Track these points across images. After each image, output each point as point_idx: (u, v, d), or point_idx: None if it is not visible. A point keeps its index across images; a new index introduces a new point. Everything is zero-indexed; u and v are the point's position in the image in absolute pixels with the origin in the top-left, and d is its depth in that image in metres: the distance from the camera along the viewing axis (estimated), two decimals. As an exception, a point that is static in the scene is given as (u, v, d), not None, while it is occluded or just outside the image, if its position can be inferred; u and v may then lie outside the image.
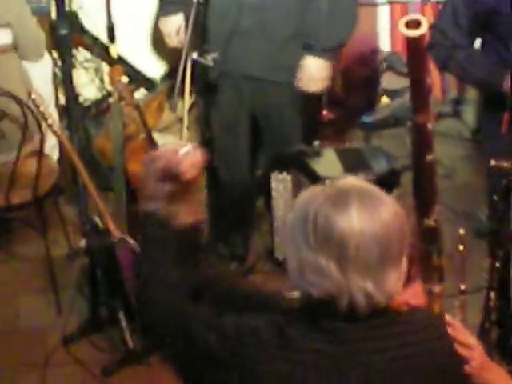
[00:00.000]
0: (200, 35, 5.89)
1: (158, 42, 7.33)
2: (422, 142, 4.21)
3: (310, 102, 6.82)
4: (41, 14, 6.72)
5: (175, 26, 6.39)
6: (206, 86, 6.31)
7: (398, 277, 2.98)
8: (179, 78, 5.67)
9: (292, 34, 6.31)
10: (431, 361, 3.08)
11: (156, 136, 6.49)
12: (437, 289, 5.42)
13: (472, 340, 3.16)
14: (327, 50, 6.30)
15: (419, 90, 4.23)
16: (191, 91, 6.32)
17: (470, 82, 6.29)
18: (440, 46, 5.73)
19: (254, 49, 6.22)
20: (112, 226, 5.66)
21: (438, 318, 3.25)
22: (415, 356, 3.08)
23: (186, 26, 6.07)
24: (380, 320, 3.01)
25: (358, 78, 7.89)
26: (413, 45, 3.82)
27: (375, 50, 7.79)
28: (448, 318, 3.25)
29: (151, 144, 6.36)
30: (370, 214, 2.98)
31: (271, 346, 3.05)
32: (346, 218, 2.96)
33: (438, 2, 7.71)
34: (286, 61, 6.28)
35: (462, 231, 5.11)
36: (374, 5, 8.03)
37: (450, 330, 3.13)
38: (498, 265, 5.39)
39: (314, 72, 6.29)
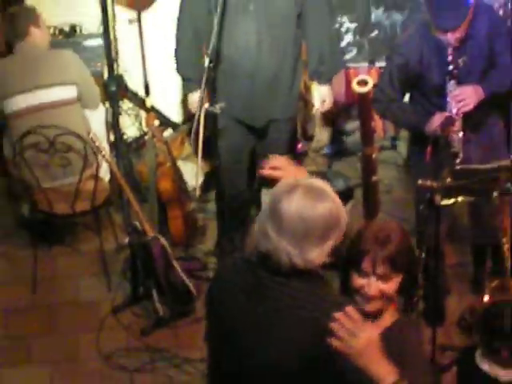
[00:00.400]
0: (211, 91, 6.04)
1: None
2: (368, 167, 5.06)
3: (293, 136, 7.11)
4: (96, 75, 6.87)
5: (196, 100, 6.16)
6: (215, 128, 6.31)
7: (319, 253, 3.55)
8: (195, 122, 5.97)
9: (286, 88, 6.45)
10: (311, 325, 3.48)
11: (179, 163, 6.97)
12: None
13: (362, 331, 3.31)
14: (331, 79, 6.59)
15: (367, 130, 5.03)
16: (204, 131, 6.06)
17: (402, 126, 6.75)
18: (380, 100, 5.98)
19: (255, 99, 6.39)
20: (147, 228, 6.05)
21: (337, 304, 3.42)
22: (301, 314, 3.53)
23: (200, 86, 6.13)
24: (294, 277, 3.57)
25: (325, 118, 8.03)
26: (362, 98, 4.69)
27: (338, 100, 7.82)
28: (347, 311, 3.32)
29: (175, 169, 6.83)
30: (306, 202, 3.60)
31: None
32: (288, 201, 3.61)
33: (380, 67, 7.68)
34: (281, 103, 6.45)
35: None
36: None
37: (333, 324, 3.28)
38: (423, 254, 5.74)
39: (328, 96, 6.54)
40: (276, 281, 3.64)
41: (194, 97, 6.41)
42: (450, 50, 5.56)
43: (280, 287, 3.65)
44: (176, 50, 6.49)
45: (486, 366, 4.16)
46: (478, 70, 5.84)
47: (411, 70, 5.89)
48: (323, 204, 3.63)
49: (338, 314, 3.31)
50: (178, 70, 6.61)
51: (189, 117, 7.59)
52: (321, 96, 6.58)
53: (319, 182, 3.75)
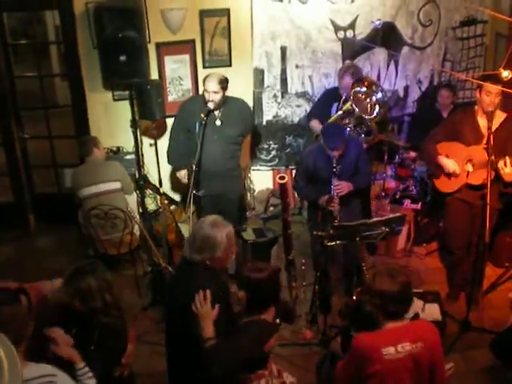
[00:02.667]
0: (195, 183, 6.01)
1: (178, 185, 7.40)
2: (286, 224, 5.05)
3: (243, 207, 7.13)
4: (131, 174, 6.81)
5: (183, 174, 6.51)
6: (199, 203, 6.48)
7: (202, 256, 3.84)
8: (188, 200, 5.94)
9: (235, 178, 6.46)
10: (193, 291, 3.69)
11: (179, 224, 6.87)
12: (293, 284, 5.94)
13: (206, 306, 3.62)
14: None
15: (285, 204, 5.02)
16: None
17: (307, 199, 6.43)
18: (297, 186, 6.09)
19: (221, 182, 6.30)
20: (161, 262, 5.88)
21: (204, 286, 3.69)
22: (192, 283, 3.80)
23: (189, 179, 6.30)
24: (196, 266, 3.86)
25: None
26: (281, 186, 4.68)
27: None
28: (203, 293, 3.65)
29: (177, 228, 6.79)
30: (207, 227, 3.88)
31: None
32: (199, 225, 3.96)
33: (292, 169, 7.73)
34: (233, 183, 6.47)
35: (303, 260, 5.76)
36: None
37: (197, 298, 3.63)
38: (318, 274, 5.70)
39: None
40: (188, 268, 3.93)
41: (181, 173, 6.55)
42: (334, 161, 5.61)
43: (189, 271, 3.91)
44: (169, 153, 6.60)
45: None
46: (349, 174, 5.83)
47: (310, 170, 5.89)
48: (219, 231, 3.89)
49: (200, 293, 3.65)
50: (171, 163, 6.68)
51: (183, 197, 7.53)
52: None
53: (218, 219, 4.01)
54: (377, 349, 3.55)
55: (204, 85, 6.12)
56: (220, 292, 3.81)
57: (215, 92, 6.03)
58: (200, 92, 7.14)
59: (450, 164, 5.75)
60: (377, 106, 6.43)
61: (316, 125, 6.86)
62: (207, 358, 3.54)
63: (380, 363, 3.52)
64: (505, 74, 4.82)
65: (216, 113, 6.18)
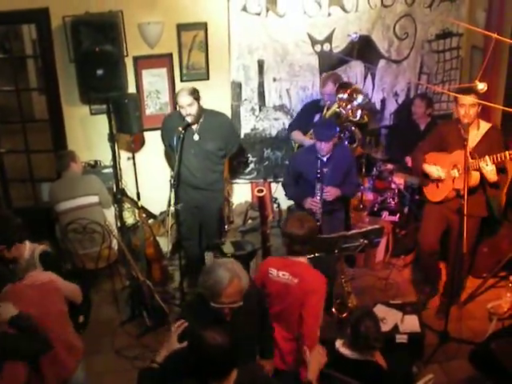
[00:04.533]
0: (174, 196, 6.05)
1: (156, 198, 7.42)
2: (264, 237, 5.03)
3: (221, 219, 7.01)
4: (108, 188, 6.74)
5: None
6: (178, 217, 6.36)
7: None
8: (167, 213, 5.92)
9: (216, 191, 6.42)
10: None
11: (157, 238, 6.84)
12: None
13: None
14: None
15: (263, 217, 5.01)
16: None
17: (292, 199, 6.42)
18: (285, 184, 6.15)
19: (200, 196, 6.31)
20: (140, 276, 5.97)
21: None
22: None
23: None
24: None
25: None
26: (260, 199, 4.66)
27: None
28: None
29: (155, 241, 6.73)
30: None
31: None
32: None
33: (270, 182, 7.81)
34: (213, 197, 6.42)
35: None
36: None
37: None
38: None
39: None
40: None
41: None
42: (319, 164, 5.65)
43: None
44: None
45: (342, 349, 4.13)
46: (337, 181, 5.85)
47: (297, 170, 5.95)
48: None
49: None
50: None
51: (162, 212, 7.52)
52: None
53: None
54: (266, 268, 4.53)
55: (177, 102, 6.11)
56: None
57: (189, 105, 6.01)
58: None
59: (433, 170, 5.82)
60: (359, 110, 6.58)
61: (298, 136, 6.89)
62: (138, 378, 3.72)
63: (267, 281, 4.49)
64: (480, 86, 4.87)
65: (194, 127, 6.17)
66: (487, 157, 5.36)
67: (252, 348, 4.21)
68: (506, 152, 5.29)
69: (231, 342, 3.23)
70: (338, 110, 6.57)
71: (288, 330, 4.59)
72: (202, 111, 6.16)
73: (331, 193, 5.77)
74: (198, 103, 6.09)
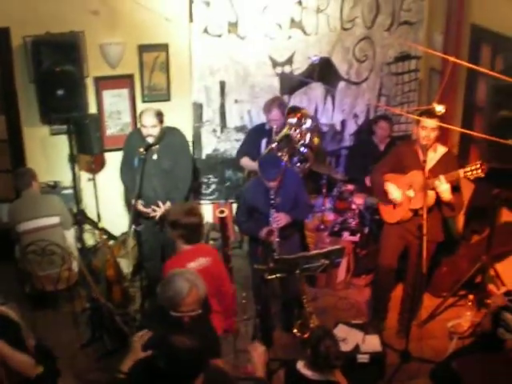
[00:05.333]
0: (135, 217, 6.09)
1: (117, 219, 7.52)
2: (226, 258, 4.99)
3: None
4: (68, 210, 6.60)
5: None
6: (140, 238, 6.49)
7: None
8: (128, 234, 5.89)
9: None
10: None
11: (118, 259, 6.76)
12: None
13: None
14: None
15: (225, 237, 4.99)
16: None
17: (247, 234, 6.40)
18: (238, 221, 6.11)
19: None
20: (100, 297, 5.94)
21: None
22: None
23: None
24: None
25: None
26: (221, 219, 4.64)
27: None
28: None
29: (116, 263, 6.63)
30: None
31: None
32: None
33: (231, 202, 7.77)
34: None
35: (244, 294, 5.60)
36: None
37: None
38: (259, 308, 5.70)
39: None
40: None
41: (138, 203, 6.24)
42: (272, 192, 5.62)
43: None
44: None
45: (303, 370, 4.13)
46: (289, 206, 5.84)
47: (249, 204, 5.89)
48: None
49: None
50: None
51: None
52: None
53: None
54: (183, 265, 4.55)
55: (141, 120, 6.11)
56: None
57: (153, 126, 6.03)
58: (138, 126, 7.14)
59: (393, 190, 5.85)
60: (308, 134, 6.63)
61: (247, 162, 6.93)
62: None
63: None
64: (438, 108, 4.93)
65: (154, 147, 6.18)
66: (441, 176, 5.42)
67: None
68: (461, 170, 5.37)
69: (199, 345, 3.28)
70: (288, 132, 6.63)
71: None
72: (163, 133, 6.18)
73: (281, 219, 5.75)
74: (161, 126, 6.11)
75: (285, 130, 6.65)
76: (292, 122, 6.62)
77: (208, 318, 4.38)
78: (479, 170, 5.22)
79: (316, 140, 6.76)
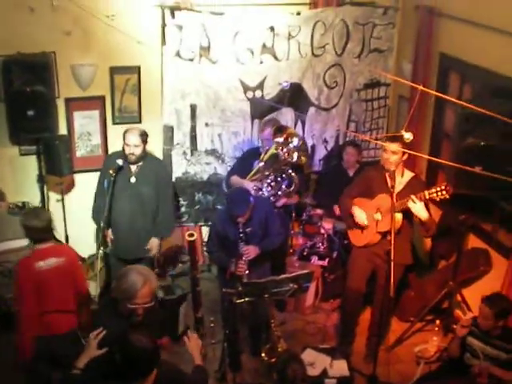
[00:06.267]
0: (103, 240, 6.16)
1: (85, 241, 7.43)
2: (194, 281, 4.93)
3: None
4: None
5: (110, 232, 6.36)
6: (108, 261, 6.51)
7: None
8: (96, 257, 5.84)
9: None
10: None
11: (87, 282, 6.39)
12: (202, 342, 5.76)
13: None
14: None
15: (193, 261, 4.88)
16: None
17: (217, 264, 6.44)
18: (209, 251, 6.24)
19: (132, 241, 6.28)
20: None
21: None
22: None
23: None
24: None
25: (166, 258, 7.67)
26: (190, 243, 4.60)
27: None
28: None
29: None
30: None
31: None
32: None
33: (200, 225, 7.81)
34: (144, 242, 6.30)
35: (212, 318, 5.41)
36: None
37: None
38: (227, 332, 5.57)
39: (156, 245, 6.45)
40: None
41: (109, 232, 6.31)
42: (240, 226, 5.69)
43: None
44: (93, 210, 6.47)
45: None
46: (259, 236, 5.89)
47: (220, 234, 5.93)
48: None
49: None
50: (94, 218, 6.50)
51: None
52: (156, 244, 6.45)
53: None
54: (32, 264, 4.98)
55: (124, 139, 6.14)
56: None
57: (136, 145, 6.06)
58: (110, 147, 7.20)
59: (359, 214, 5.93)
60: (295, 152, 6.68)
61: (237, 180, 6.95)
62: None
63: (35, 275, 4.95)
64: (407, 135, 4.98)
65: (132, 169, 6.19)
66: (412, 195, 5.48)
67: None
68: (426, 191, 5.44)
69: (153, 343, 3.48)
70: (275, 151, 6.71)
71: (63, 305, 5.24)
72: (144, 156, 6.21)
73: (250, 252, 5.78)
74: (144, 147, 6.15)
75: (271, 150, 6.74)
76: (279, 141, 6.68)
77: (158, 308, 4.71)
78: (444, 192, 5.31)
79: (303, 159, 6.81)
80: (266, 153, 6.81)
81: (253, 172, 6.86)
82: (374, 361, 5.71)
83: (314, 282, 7.10)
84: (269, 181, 6.78)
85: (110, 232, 6.33)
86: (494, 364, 5.14)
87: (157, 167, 6.38)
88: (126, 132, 6.18)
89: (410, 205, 5.51)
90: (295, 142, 6.70)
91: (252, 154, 7.10)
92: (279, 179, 6.81)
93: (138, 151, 6.09)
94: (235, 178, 6.98)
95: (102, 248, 6.23)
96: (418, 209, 5.52)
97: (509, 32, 5.81)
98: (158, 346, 3.56)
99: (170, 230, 6.60)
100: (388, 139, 5.69)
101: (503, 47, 5.97)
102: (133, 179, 6.17)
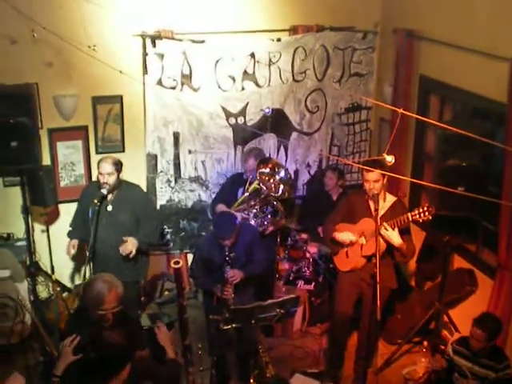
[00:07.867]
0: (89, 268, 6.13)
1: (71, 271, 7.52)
2: (181, 308, 4.92)
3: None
4: (22, 262, 6.67)
5: (73, 244, 6.34)
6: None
7: None
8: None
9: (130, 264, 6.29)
10: None
11: (72, 311, 6.57)
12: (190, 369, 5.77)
13: None
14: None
15: (180, 289, 4.89)
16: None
17: (202, 289, 6.53)
18: (193, 276, 6.21)
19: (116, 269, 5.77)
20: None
21: None
22: None
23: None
24: None
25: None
26: (176, 271, 4.59)
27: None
28: None
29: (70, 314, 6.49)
30: None
31: None
32: None
33: (186, 253, 7.83)
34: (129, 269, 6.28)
35: (199, 345, 5.48)
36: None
37: None
38: (214, 358, 5.64)
39: None
40: None
41: (72, 242, 6.37)
42: (226, 249, 5.69)
43: None
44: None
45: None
46: (242, 261, 5.90)
47: (205, 258, 5.93)
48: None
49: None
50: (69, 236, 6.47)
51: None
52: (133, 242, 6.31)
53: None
54: None
55: (98, 168, 6.14)
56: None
57: (109, 174, 6.05)
58: (93, 177, 7.14)
59: (343, 236, 5.94)
60: (281, 185, 6.74)
61: (223, 209, 6.91)
62: None
63: None
64: (388, 159, 5.01)
65: (108, 197, 6.18)
66: (384, 223, 5.52)
67: None
68: (409, 214, 5.45)
69: (126, 339, 3.68)
70: (258, 186, 6.74)
71: None
72: (119, 184, 6.19)
73: (235, 276, 5.79)
74: (118, 175, 6.14)
75: (254, 185, 6.76)
76: (264, 172, 6.74)
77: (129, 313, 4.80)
78: (427, 213, 5.32)
79: (287, 194, 6.86)
80: (250, 184, 6.83)
81: (238, 202, 6.89)
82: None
83: (301, 307, 7.11)
84: (254, 211, 6.81)
85: (74, 241, 6.37)
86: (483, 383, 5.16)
87: (133, 194, 6.35)
88: (99, 161, 6.19)
89: (382, 231, 5.53)
90: (282, 173, 6.78)
91: (236, 181, 7.14)
92: (264, 209, 6.86)
93: (111, 180, 6.08)
94: (221, 207, 6.97)
95: (87, 277, 6.10)
96: (390, 235, 5.55)
97: (488, 53, 5.89)
98: (131, 343, 3.75)
99: (150, 239, 6.43)
100: (368, 164, 5.69)
101: (483, 69, 6.05)
102: (109, 207, 6.18)
